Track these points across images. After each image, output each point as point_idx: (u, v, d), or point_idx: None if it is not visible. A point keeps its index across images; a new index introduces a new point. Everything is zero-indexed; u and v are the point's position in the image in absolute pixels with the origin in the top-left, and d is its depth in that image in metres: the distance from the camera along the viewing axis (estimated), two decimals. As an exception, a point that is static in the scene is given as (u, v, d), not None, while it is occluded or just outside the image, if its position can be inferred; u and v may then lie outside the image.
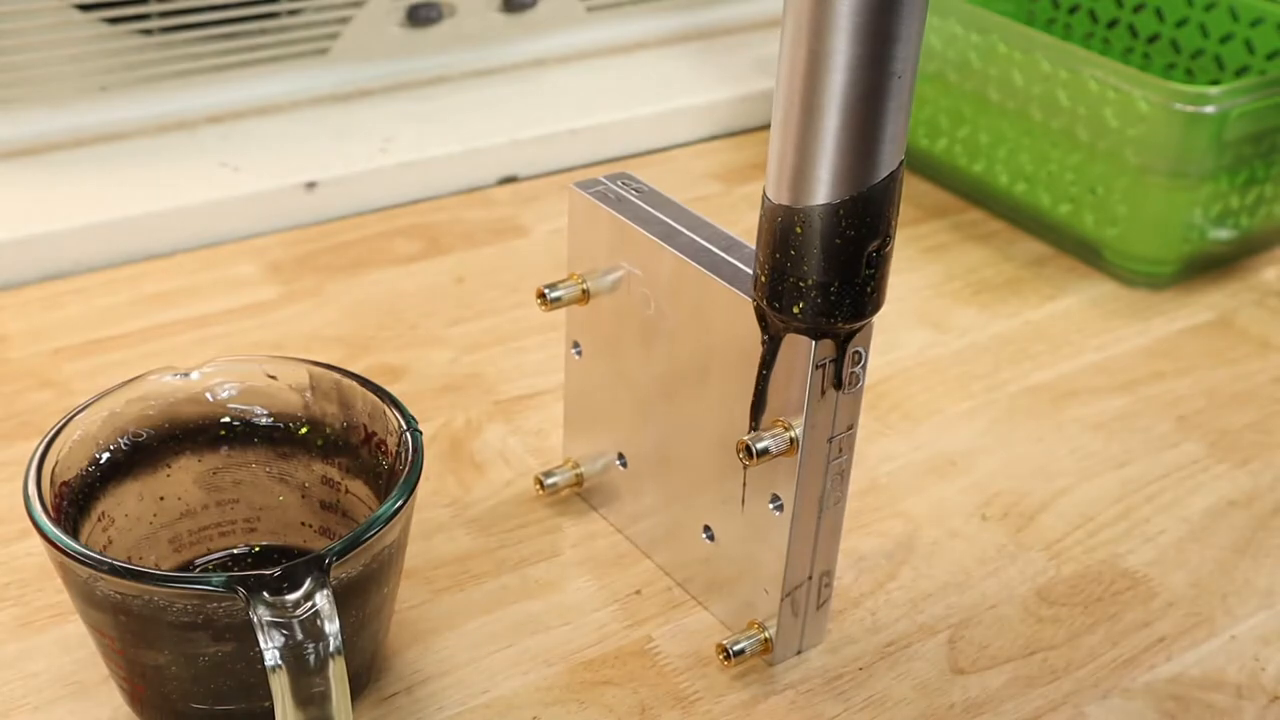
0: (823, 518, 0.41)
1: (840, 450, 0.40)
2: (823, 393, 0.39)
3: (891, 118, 0.34)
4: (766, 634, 0.43)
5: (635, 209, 0.44)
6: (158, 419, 0.42)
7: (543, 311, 0.45)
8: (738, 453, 0.39)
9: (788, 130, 0.35)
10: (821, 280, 0.36)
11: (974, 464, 0.53)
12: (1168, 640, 0.45)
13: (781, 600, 0.42)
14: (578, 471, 0.49)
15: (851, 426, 0.40)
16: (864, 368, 0.39)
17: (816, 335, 0.38)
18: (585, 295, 0.45)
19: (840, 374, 0.39)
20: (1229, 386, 0.58)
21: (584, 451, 0.49)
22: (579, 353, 0.47)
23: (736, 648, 0.43)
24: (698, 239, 0.42)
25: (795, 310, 0.37)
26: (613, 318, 0.45)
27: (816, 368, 0.38)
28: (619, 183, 0.45)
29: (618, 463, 0.47)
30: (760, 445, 0.39)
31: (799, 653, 0.44)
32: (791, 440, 0.39)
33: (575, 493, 0.50)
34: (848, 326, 0.37)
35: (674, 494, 0.45)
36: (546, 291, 0.45)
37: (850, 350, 0.38)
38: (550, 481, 0.49)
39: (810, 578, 0.42)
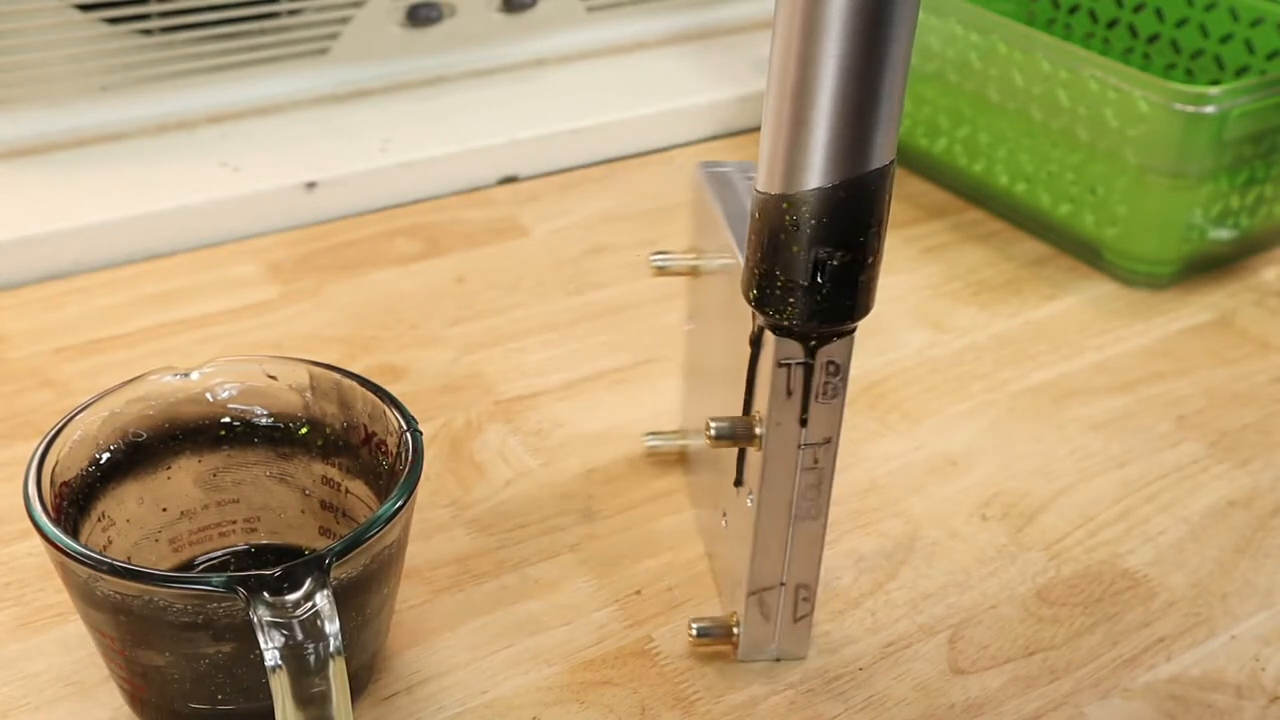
0: (795, 527, 0.41)
1: (815, 461, 0.40)
2: (788, 393, 0.38)
3: (817, 126, 0.34)
4: (736, 628, 0.43)
5: (733, 200, 0.44)
6: (158, 419, 0.42)
7: (652, 276, 0.47)
8: (704, 431, 0.40)
9: (764, 116, 0.36)
10: (766, 268, 0.37)
11: (974, 464, 0.53)
12: (1168, 640, 0.45)
13: (747, 596, 0.42)
14: (683, 443, 0.51)
15: (829, 440, 0.40)
16: (843, 381, 0.39)
17: (774, 329, 0.38)
18: (694, 271, 0.47)
19: (809, 380, 0.38)
20: (1229, 386, 0.58)
21: (690, 424, 0.51)
22: (692, 325, 0.49)
23: (701, 626, 0.43)
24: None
25: (750, 296, 0.37)
26: (708, 297, 0.46)
27: (779, 365, 0.38)
28: (739, 169, 0.46)
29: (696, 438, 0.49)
30: (717, 427, 0.40)
31: (777, 660, 0.44)
32: (756, 433, 0.39)
33: (678, 460, 0.52)
34: (803, 326, 0.37)
35: (711, 478, 0.46)
36: (656, 257, 0.46)
37: (822, 359, 0.38)
38: (652, 443, 0.51)
39: (782, 584, 0.42)
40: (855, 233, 0.35)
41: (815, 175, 0.35)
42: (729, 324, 0.43)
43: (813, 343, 0.38)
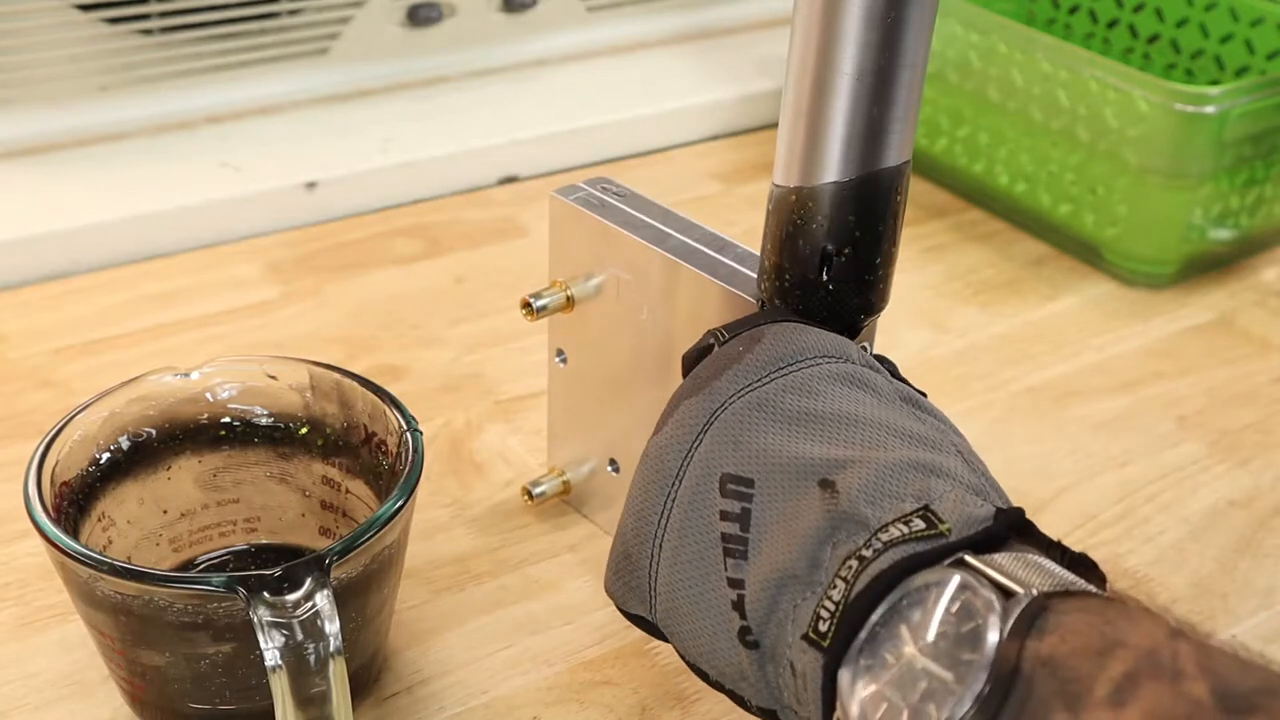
0: None
1: None
2: None
3: (836, 119, 0.34)
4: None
5: (620, 213, 0.43)
6: (158, 419, 0.42)
7: (528, 321, 0.45)
8: None
9: (782, 112, 0.36)
10: (778, 261, 0.37)
11: (974, 464, 0.53)
12: (1168, 640, 0.45)
13: None
14: (564, 479, 0.49)
15: None
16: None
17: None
18: (570, 302, 0.45)
19: None
20: (1229, 386, 0.58)
21: (570, 459, 0.49)
22: (563, 361, 0.47)
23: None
24: (688, 241, 0.42)
25: (762, 290, 0.37)
26: (599, 323, 0.45)
27: None
28: (599, 187, 0.45)
29: (609, 469, 0.47)
30: None
31: None
32: None
33: (563, 500, 0.50)
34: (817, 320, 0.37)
35: None
36: (532, 301, 0.44)
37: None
38: (538, 491, 0.49)
39: None
40: (866, 229, 0.36)
41: (831, 170, 0.35)
42: (639, 340, 0.43)
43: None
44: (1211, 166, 0.62)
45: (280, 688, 0.34)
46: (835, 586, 0.30)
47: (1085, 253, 0.67)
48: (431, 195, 0.71)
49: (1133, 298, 0.65)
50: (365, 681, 0.42)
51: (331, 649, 0.34)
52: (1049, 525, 0.50)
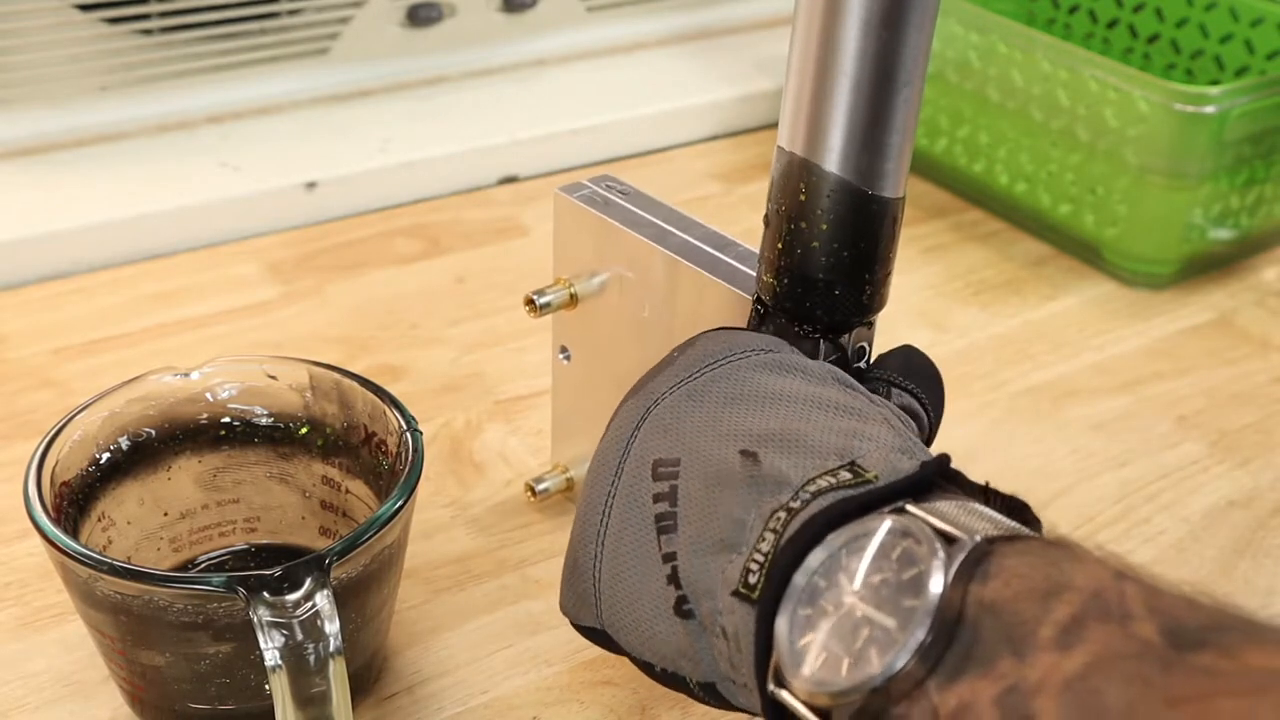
0: None
1: None
2: None
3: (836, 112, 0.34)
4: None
5: (624, 211, 0.43)
6: (158, 419, 0.42)
7: (531, 318, 0.45)
8: None
9: (785, 90, 0.36)
10: (771, 257, 0.37)
11: (974, 464, 0.53)
12: (1168, 640, 0.45)
13: None
14: (568, 476, 0.49)
15: None
16: (867, 364, 0.39)
17: (806, 330, 0.38)
18: (573, 299, 0.45)
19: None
20: (1229, 386, 0.58)
21: (574, 455, 0.49)
22: (567, 357, 0.47)
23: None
24: (690, 239, 0.42)
25: (767, 294, 0.37)
26: (602, 320, 0.45)
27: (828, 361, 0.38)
28: (604, 185, 0.45)
29: None
30: None
31: None
32: None
33: (566, 498, 0.50)
34: (828, 321, 0.37)
35: None
36: (535, 298, 0.44)
37: (853, 345, 0.38)
38: (541, 487, 0.49)
39: None
40: (863, 234, 0.36)
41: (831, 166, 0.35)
42: (642, 338, 0.43)
43: (845, 336, 0.38)
44: (1211, 166, 0.62)
45: (280, 688, 0.34)
46: (764, 540, 0.30)
47: (1085, 253, 0.67)
48: (431, 195, 0.71)
49: (1133, 298, 0.65)
50: (365, 681, 0.42)
51: (331, 649, 0.34)
52: (1048, 525, 0.50)
